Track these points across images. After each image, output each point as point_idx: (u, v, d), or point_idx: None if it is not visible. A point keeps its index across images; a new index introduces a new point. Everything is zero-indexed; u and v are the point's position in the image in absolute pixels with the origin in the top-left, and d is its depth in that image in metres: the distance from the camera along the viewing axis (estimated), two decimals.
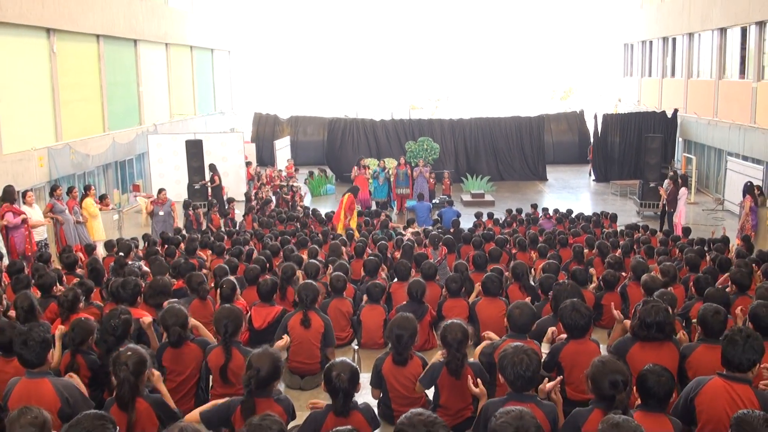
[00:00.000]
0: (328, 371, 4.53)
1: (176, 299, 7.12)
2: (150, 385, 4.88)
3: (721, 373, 4.60)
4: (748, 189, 16.94)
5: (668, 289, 7.07)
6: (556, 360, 5.61)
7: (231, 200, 19.74)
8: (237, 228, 17.65)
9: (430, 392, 5.61)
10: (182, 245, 12.67)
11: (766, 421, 3.41)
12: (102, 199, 18.48)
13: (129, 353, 4.58)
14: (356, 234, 15.72)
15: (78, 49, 22.34)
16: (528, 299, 8.17)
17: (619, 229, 17.07)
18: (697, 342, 5.64)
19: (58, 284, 8.13)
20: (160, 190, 17.82)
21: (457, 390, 5.24)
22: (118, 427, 3.55)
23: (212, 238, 13.78)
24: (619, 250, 11.89)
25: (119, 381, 4.50)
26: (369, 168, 24.30)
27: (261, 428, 3.55)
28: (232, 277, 8.04)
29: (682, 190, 19.05)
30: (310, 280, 7.33)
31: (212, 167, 22.45)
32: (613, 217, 18.20)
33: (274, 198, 22.76)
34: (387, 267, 11.16)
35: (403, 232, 16.02)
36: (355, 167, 24.19)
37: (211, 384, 5.97)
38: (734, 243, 14.09)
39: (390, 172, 24.04)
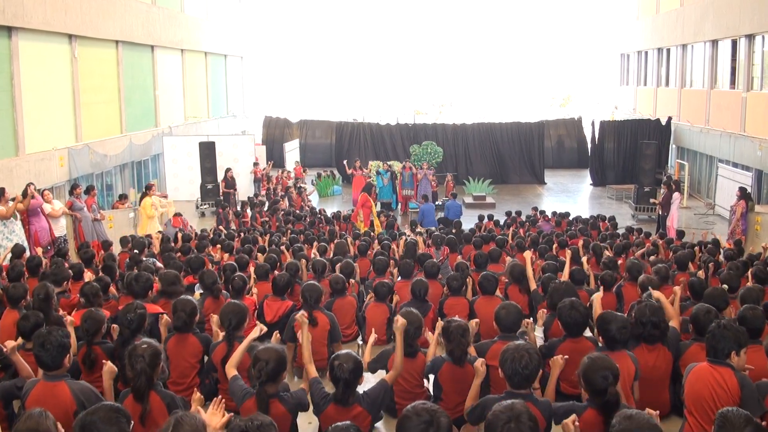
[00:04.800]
0: (332, 361, 4.56)
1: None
2: (163, 377, 4.88)
3: (709, 359, 4.78)
4: (745, 194, 16.87)
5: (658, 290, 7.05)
6: (552, 356, 5.61)
7: (261, 203, 19.66)
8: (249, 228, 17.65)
9: (431, 387, 5.61)
10: (193, 243, 12.70)
11: (747, 420, 3.40)
12: (121, 199, 18.59)
13: (144, 346, 4.58)
14: (377, 230, 15.91)
15: (98, 54, 22.39)
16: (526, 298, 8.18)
17: (616, 232, 16.98)
18: (690, 341, 5.67)
19: (72, 281, 8.15)
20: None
21: (457, 385, 5.25)
22: (132, 422, 3.54)
23: (223, 236, 13.78)
24: (612, 251, 11.84)
25: (136, 372, 4.49)
26: (366, 169, 24.21)
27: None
28: (243, 273, 8.08)
29: (676, 195, 19.01)
30: (313, 281, 7.31)
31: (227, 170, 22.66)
32: (611, 219, 18.05)
33: (283, 198, 22.76)
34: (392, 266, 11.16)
35: (407, 232, 16.00)
36: (352, 169, 24.18)
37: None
38: (724, 245, 14.06)
39: (396, 173, 24.02)
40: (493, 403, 4.31)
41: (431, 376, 5.57)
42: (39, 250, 10.29)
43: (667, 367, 5.41)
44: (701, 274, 9.12)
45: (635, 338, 5.46)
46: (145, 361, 4.50)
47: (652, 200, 21.07)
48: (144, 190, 16.63)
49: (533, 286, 7.83)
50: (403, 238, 13.96)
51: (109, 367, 4.94)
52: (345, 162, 25.87)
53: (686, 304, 7.44)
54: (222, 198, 21.35)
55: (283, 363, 4.58)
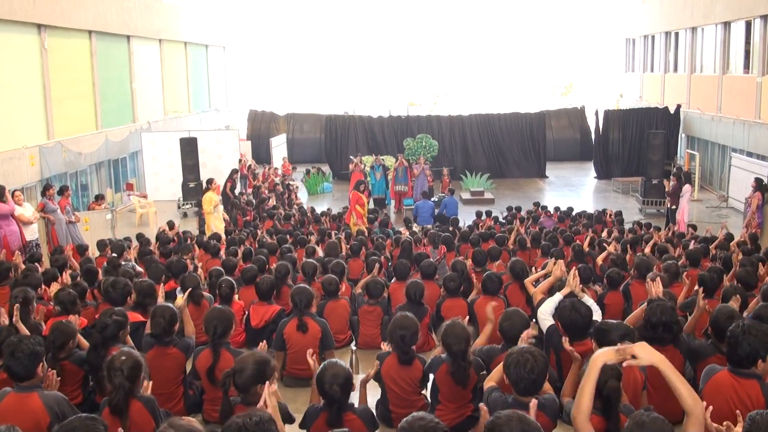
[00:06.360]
0: (320, 379, 4.50)
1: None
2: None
3: (730, 368, 4.55)
4: (761, 185, 16.86)
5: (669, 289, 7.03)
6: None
7: (248, 203, 19.65)
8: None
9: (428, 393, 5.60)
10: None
11: None
12: (97, 199, 18.52)
13: (123, 358, 4.52)
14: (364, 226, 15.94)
15: (70, 45, 22.29)
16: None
17: (626, 227, 16.93)
18: (711, 351, 5.52)
19: (46, 287, 8.11)
20: None
21: (454, 387, 5.22)
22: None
23: (206, 238, 13.76)
24: (619, 246, 11.85)
25: (114, 387, 4.45)
26: (361, 164, 24.20)
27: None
28: (230, 277, 8.06)
29: (686, 187, 18.96)
30: (302, 284, 7.28)
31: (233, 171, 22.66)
32: (617, 214, 17.95)
33: (271, 196, 22.71)
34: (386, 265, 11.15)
35: (402, 231, 16.00)
36: (351, 164, 24.15)
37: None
38: (738, 240, 14.06)
39: (389, 169, 23.95)
40: (498, 406, 4.29)
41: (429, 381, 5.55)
42: (17, 255, 10.24)
43: (678, 370, 5.36)
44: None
45: (646, 341, 5.42)
46: (124, 374, 4.45)
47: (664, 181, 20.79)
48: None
49: (537, 297, 6.91)
50: (394, 237, 13.98)
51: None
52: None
53: (694, 298, 7.43)
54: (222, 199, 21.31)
55: (258, 374, 4.43)
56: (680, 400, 3.84)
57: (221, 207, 17.05)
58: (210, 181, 17.15)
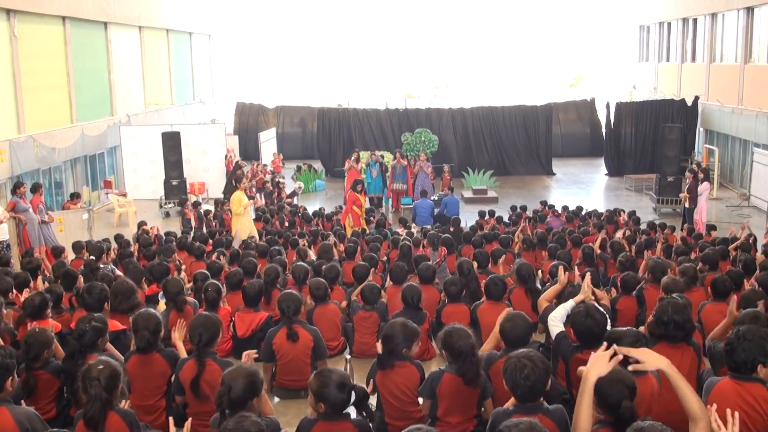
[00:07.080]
0: (325, 387, 4.51)
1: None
2: (122, 399, 4.83)
3: (731, 374, 4.59)
4: None
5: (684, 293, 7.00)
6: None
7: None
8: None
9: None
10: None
11: None
12: (73, 198, 18.47)
13: (100, 367, 4.51)
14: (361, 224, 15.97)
15: (42, 32, 22.22)
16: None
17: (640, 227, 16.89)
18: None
19: (18, 293, 8.08)
20: None
21: (457, 401, 5.21)
22: None
23: (190, 239, 13.72)
24: (633, 248, 11.84)
25: (90, 398, 4.42)
26: (357, 163, 24.18)
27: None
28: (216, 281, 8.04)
29: (704, 185, 18.93)
30: (290, 290, 7.26)
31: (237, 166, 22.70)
32: (631, 214, 17.86)
33: (258, 195, 22.67)
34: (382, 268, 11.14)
35: (399, 231, 15.98)
36: (348, 160, 24.09)
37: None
38: (762, 242, 14.07)
39: (387, 166, 23.89)
40: (501, 419, 4.28)
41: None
42: None
43: (691, 369, 5.34)
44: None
45: (656, 338, 5.43)
46: (101, 384, 4.44)
47: (681, 195, 20.89)
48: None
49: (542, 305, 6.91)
50: (391, 238, 13.96)
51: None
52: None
53: (704, 304, 7.42)
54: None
55: (253, 389, 4.46)
56: (687, 407, 3.96)
57: (252, 208, 16.76)
58: (239, 180, 16.85)
